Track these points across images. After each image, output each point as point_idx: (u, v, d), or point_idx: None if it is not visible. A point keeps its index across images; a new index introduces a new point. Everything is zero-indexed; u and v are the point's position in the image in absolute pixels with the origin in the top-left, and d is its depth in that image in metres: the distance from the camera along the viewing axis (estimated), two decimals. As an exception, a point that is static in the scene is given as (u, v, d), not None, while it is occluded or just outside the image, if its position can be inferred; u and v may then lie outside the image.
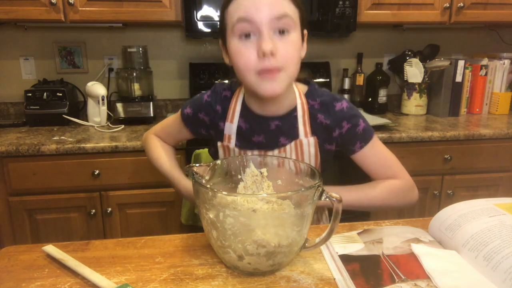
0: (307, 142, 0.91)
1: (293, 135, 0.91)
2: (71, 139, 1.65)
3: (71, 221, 1.67)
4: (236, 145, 0.94)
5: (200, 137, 1.04)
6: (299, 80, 0.95)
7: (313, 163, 0.94)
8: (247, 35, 0.76)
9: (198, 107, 0.97)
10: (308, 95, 0.92)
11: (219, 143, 0.96)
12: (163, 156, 1.04)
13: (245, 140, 0.94)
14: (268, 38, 0.74)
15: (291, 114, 0.91)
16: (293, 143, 0.91)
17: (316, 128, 0.92)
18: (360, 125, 0.91)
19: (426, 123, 1.97)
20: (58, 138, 1.68)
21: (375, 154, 0.94)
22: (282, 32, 0.77)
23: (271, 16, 0.74)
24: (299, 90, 0.93)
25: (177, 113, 1.04)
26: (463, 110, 2.18)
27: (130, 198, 1.68)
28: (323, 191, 0.62)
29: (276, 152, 0.92)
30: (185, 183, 0.98)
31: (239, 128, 0.94)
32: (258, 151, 0.93)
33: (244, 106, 0.93)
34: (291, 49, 0.77)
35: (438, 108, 2.12)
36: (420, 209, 1.89)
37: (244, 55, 0.77)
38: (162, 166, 1.03)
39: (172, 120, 1.07)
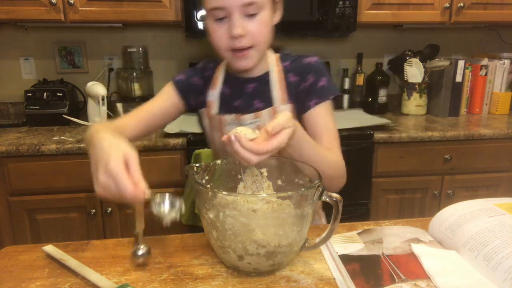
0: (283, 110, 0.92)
1: (268, 99, 0.94)
2: (71, 139, 1.65)
3: (71, 221, 1.67)
4: (216, 112, 0.97)
5: (186, 108, 1.00)
6: (273, 48, 0.98)
7: None
8: (220, 18, 0.84)
9: (192, 72, 1.01)
10: (282, 59, 0.98)
11: (200, 110, 0.99)
12: (105, 131, 0.75)
13: (227, 105, 0.97)
14: (238, 22, 0.82)
15: (265, 78, 0.95)
16: (270, 110, 0.92)
17: (289, 90, 0.94)
18: (321, 81, 0.92)
19: (426, 123, 1.97)
20: (58, 138, 1.68)
21: (326, 116, 0.91)
22: (251, 14, 0.83)
23: (240, 3, 0.81)
24: (275, 56, 0.97)
25: (158, 94, 0.99)
26: (463, 110, 2.18)
27: (130, 198, 1.68)
28: (323, 191, 0.62)
29: (252, 116, 0.93)
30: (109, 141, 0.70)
31: (222, 94, 0.97)
32: (236, 115, 0.93)
33: (227, 72, 0.98)
34: (260, 28, 0.84)
35: (438, 108, 2.12)
36: (420, 209, 1.89)
37: (217, 36, 0.85)
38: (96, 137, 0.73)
39: (149, 102, 0.97)
